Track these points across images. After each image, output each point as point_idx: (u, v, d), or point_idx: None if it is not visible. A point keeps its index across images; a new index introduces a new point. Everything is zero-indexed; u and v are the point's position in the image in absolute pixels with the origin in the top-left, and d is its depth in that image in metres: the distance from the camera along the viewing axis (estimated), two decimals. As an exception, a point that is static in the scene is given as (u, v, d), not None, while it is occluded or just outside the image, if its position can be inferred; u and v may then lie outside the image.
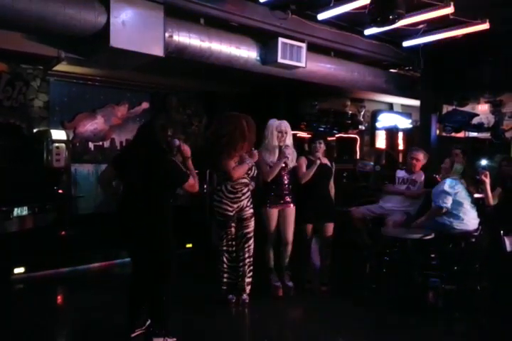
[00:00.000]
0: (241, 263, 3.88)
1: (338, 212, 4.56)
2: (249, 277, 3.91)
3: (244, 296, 3.89)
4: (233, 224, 3.84)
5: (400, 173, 4.99)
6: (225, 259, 3.87)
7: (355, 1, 4.80)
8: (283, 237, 4.13)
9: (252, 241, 3.92)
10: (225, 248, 3.86)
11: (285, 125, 4.09)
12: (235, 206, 3.82)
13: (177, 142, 3.08)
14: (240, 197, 3.84)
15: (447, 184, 4.15)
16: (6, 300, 4.08)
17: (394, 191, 4.91)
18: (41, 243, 5.18)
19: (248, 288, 3.91)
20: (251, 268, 3.92)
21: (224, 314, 3.71)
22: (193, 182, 3.04)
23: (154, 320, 3.08)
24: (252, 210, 3.95)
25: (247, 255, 3.89)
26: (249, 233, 3.91)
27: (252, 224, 3.94)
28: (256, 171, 3.93)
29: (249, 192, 3.92)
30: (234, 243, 3.88)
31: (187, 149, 3.12)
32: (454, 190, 4.14)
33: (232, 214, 3.82)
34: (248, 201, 3.92)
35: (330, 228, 4.32)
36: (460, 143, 6.58)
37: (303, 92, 8.19)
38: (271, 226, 4.09)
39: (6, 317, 3.64)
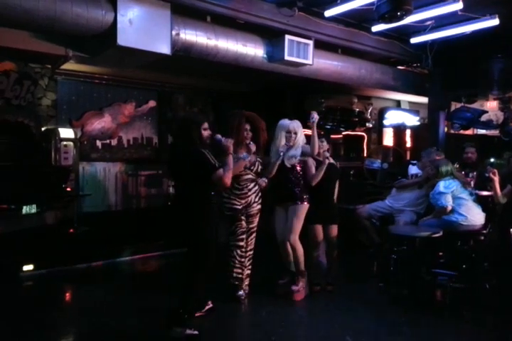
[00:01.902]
0: (244, 255, 3.97)
1: (345, 210, 4.54)
2: (248, 269, 4.02)
3: (244, 287, 3.98)
4: (243, 218, 3.89)
5: (413, 170, 4.98)
6: (236, 254, 3.88)
7: (363, -3, 4.77)
8: (282, 236, 4.03)
9: (254, 235, 4.02)
10: (236, 242, 3.88)
11: (294, 125, 4.01)
12: (243, 201, 3.88)
13: (218, 137, 3.26)
14: (246, 193, 3.88)
15: (441, 185, 4.23)
16: (15, 296, 4.11)
17: (410, 183, 4.88)
18: (49, 240, 5.22)
19: (247, 280, 4.01)
20: (251, 261, 4.03)
21: (227, 311, 3.71)
22: (220, 175, 3.05)
23: (180, 307, 3.16)
24: (259, 206, 3.99)
25: (249, 248, 3.99)
26: (253, 228, 4.01)
27: (257, 219, 4.02)
28: (260, 166, 3.96)
29: (256, 187, 3.94)
30: (244, 237, 3.90)
31: (228, 145, 3.20)
32: (449, 189, 4.21)
33: (240, 207, 3.87)
34: (256, 196, 3.95)
35: (334, 229, 4.26)
36: (473, 141, 6.53)
37: (309, 90, 8.16)
38: (275, 227, 4.07)
39: (15, 313, 3.67)
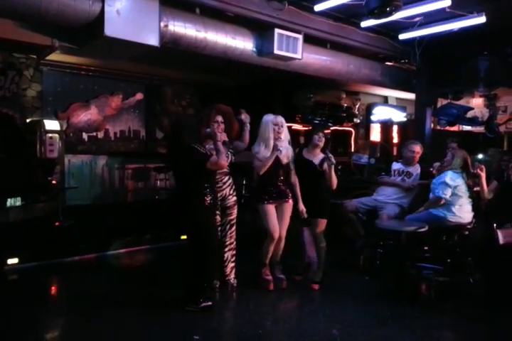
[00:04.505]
0: (225, 249, 3.99)
1: (332, 204, 4.54)
2: (232, 262, 4.05)
3: (232, 280, 4.03)
4: (218, 212, 3.90)
5: (396, 165, 5.01)
6: None
7: (353, -8, 4.78)
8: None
9: (234, 227, 4.04)
10: None
11: (281, 119, 4.03)
12: (218, 195, 3.88)
13: (207, 130, 3.69)
14: (221, 186, 3.91)
15: (449, 176, 4.23)
16: (0, 290, 4.06)
17: (389, 182, 4.93)
18: (35, 233, 5.16)
19: (233, 273, 4.05)
20: (234, 253, 4.05)
21: (215, 305, 3.68)
22: (214, 161, 3.39)
23: (185, 294, 3.51)
24: (235, 198, 4.04)
25: (230, 241, 4.02)
26: (232, 220, 4.03)
27: (235, 211, 4.04)
28: (233, 157, 3.99)
29: (230, 180, 4.01)
30: (219, 230, 3.93)
31: (215, 134, 3.54)
32: (454, 182, 4.21)
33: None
34: (231, 189, 4.00)
35: (321, 224, 4.14)
36: (455, 137, 6.61)
37: (298, 84, 8.16)
38: (272, 225, 3.95)
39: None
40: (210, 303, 3.50)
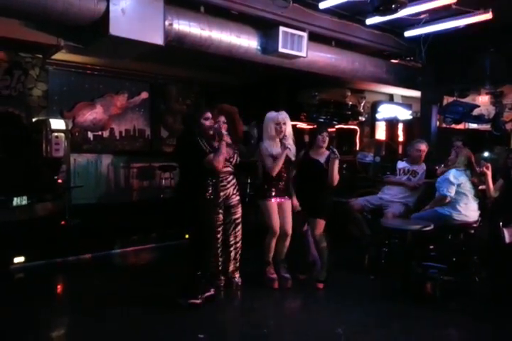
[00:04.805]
0: (230, 248, 3.99)
1: (337, 202, 4.53)
2: (237, 260, 4.04)
3: (237, 279, 4.01)
4: (221, 211, 3.90)
5: (401, 164, 4.99)
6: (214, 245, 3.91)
7: (358, -11, 4.76)
8: (282, 230, 4.05)
9: (240, 226, 4.03)
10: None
11: (282, 116, 4.02)
12: (222, 194, 3.89)
13: (216, 126, 3.64)
14: (225, 185, 3.91)
15: (452, 174, 4.24)
16: (6, 289, 4.08)
17: (394, 182, 4.91)
18: (41, 232, 5.18)
19: (238, 271, 4.04)
20: (239, 252, 4.04)
21: (217, 302, 3.70)
22: (210, 159, 3.40)
23: (182, 288, 3.53)
24: (238, 197, 4.03)
25: (236, 240, 4.01)
26: (237, 219, 4.01)
27: (239, 210, 4.03)
28: (238, 158, 3.97)
29: (234, 180, 4.00)
30: (221, 229, 3.92)
31: (221, 133, 3.54)
32: (457, 180, 4.21)
33: (219, 201, 3.88)
34: (234, 189, 4.00)
35: (318, 224, 4.10)
36: (460, 135, 6.57)
37: (303, 83, 8.14)
38: (274, 220, 3.98)
39: (5, 306, 3.64)
40: (198, 301, 3.47)
